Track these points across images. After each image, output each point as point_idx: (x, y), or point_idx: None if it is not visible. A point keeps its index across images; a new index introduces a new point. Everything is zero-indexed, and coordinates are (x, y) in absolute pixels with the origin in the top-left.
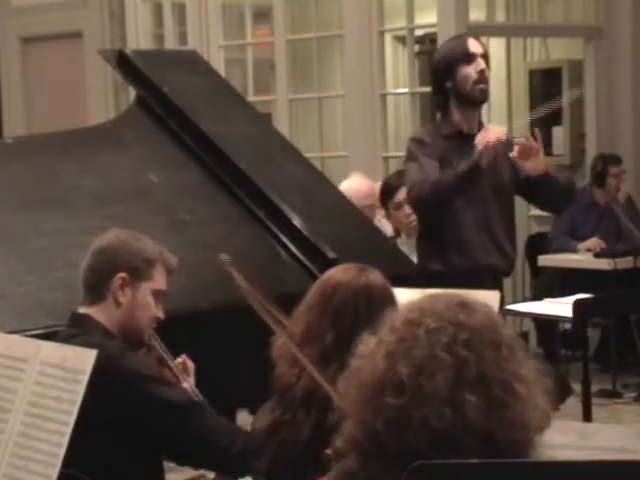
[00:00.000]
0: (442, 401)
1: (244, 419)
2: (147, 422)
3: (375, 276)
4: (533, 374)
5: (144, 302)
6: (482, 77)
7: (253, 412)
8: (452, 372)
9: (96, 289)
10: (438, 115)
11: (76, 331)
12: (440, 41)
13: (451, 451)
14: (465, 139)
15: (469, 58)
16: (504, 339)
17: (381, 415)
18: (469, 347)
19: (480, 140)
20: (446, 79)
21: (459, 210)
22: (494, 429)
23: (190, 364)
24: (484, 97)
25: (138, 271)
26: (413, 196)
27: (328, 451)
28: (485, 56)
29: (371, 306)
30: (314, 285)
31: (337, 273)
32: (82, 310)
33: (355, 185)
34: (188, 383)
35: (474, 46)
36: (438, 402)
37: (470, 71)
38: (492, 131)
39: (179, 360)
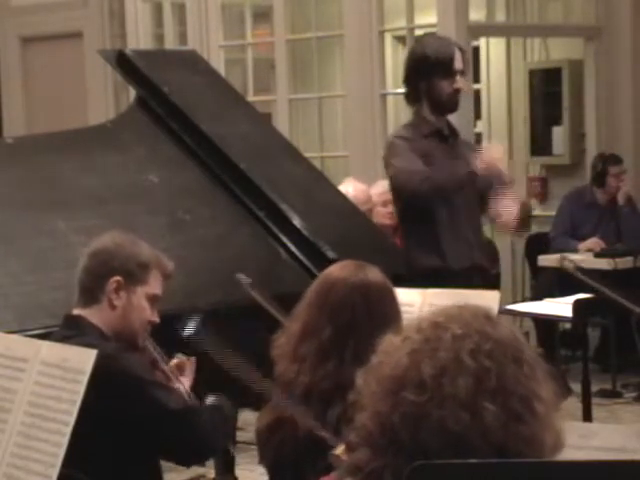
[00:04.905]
0: (461, 405)
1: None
2: (140, 422)
3: (374, 273)
4: (551, 397)
5: (139, 306)
6: (457, 93)
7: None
8: (473, 379)
9: (91, 291)
10: (412, 114)
11: (71, 332)
12: None
13: (462, 456)
14: (443, 139)
15: (450, 74)
16: (526, 357)
17: (399, 409)
18: (492, 358)
19: (484, 158)
20: (422, 79)
21: (449, 206)
22: (509, 442)
23: (186, 361)
24: (455, 108)
25: (133, 275)
26: (401, 182)
27: (334, 452)
28: (463, 72)
29: (368, 302)
30: (313, 283)
31: (335, 270)
32: (76, 312)
33: (352, 192)
34: (182, 385)
35: (458, 62)
36: (457, 405)
37: (447, 86)
38: (495, 150)
39: (174, 361)
